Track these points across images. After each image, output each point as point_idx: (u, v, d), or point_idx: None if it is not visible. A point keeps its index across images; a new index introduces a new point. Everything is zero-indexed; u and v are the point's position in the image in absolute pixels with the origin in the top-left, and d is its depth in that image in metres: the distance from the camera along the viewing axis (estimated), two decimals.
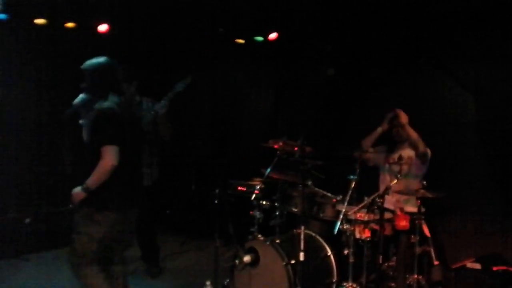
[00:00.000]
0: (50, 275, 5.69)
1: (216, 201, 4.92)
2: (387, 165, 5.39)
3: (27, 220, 6.09)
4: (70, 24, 6.61)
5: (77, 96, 6.53)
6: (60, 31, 6.60)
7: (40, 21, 6.43)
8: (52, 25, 6.51)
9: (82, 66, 4.14)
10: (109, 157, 3.79)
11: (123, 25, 6.82)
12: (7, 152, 6.31)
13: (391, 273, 4.85)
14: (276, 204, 5.10)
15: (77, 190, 3.92)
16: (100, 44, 6.88)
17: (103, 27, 6.72)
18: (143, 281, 5.64)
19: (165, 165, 5.91)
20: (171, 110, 5.40)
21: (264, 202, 5.10)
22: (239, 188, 5.86)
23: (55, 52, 6.69)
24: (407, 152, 5.28)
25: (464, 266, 4.94)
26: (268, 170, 5.07)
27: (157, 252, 5.92)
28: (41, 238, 6.40)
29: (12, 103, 6.39)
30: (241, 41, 7.07)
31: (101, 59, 4.15)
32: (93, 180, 3.85)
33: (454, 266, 5.04)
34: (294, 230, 4.89)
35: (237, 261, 4.82)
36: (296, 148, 4.99)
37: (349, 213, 4.65)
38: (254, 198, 5.06)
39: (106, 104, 3.96)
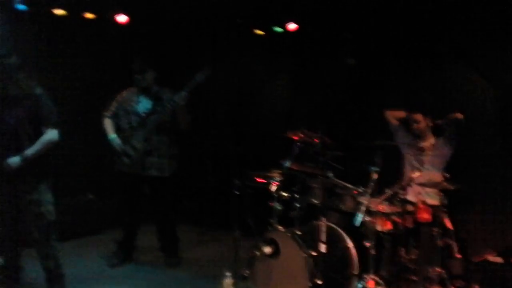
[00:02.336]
0: (72, 263, 5.75)
1: (235, 192, 4.90)
2: (409, 157, 5.35)
3: None
4: (89, 15, 6.64)
5: (96, 86, 6.57)
6: (79, 21, 6.62)
7: (59, 11, 6.45)
8: (71, 16, 6.54)
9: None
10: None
11: (142, 16, 6.82)
12: None
13: (412, 266, 4.81)
14: (296, 195, 5.06)
15: (16, 160, 4.41)
16: (118, 35, 6.91)
17: (122, 18, 6.74)
18: (162, 272, 5.67)
19: (184, 156, 5.92)
20: (190, 101, 5.40)
21: (283, 194, 5.08)
22: (258, 179, 5.84)
23: (74, 43, 6.71)
24: (430, 141, 5.25)
25: (485, 260, 4.89)
26: (288, 161, 5.05)
27: (176, 242, 5.93)
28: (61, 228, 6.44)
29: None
30: (260, 32, 7.04)
31: None
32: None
33: (475, 260, 4.99)
34: (315, 222, 4.86)
35: (257, 252, 4.81)
36: (315, 139, 4.97)
37: (370, 205, 4.62)
38: (274, 189, 5.03)
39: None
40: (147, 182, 5.65)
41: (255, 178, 5.89)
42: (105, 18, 6.72)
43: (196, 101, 5.45)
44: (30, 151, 4.45)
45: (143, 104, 5.59)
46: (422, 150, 4.97)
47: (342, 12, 6.16)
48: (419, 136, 5.35)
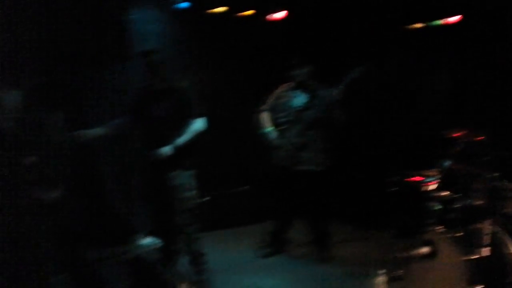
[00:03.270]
0: (226, 251, 6.08)
1: (392, 190, 4.79)
2: None
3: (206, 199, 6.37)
4: (247, 12, 6.82)
5: (256, 82, 6.71)
6: (238, 18, 6.83)
7: (219, 9, 6.69)
8: (230, 13, 6.75)
9: None
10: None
11: (299, 12, 6.88)
12: None
13: None
14: (456, 196, 4.84)
15: (168, 149, 4.71)
16: (276, 31, 7.03)
17: (279, 15, 6.85)
18: (312, 266, 5.69)
19: (338, 151, 5.89)
20: (345, 96, 5.36)
21: (442, 194, 4.87)
22: (416, 177, 5.67)
23: (234, 40, 6.93)
24: None
25: None
26: (448, 159, 4.84)
27: (327, 238, 5.92)
28: (216, 217, 6.74)
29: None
30: (418, 25, 6.79)
31: None
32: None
33: None
34: (476, 224, 4.61)
35: (412, 253, 4.66)
36: (479, 138, 4.71)
37: None
38: (432, 188, 4.85)
39: None
40: (300, 176, 5.70)
41: (412, 176, 5.74)
42: (263, 15, 6.87)
43: (353, 97, 5.41)
44: (181, 140, 4.74)
45: (299, 99, 5.65)
46: None
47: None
48: None
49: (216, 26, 6.79)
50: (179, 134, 4.76)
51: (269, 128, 5.73)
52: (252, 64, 7.08)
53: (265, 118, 5.79)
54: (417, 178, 5.42)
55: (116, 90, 5.90)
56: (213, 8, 6.71)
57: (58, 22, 5.23)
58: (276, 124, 5.74)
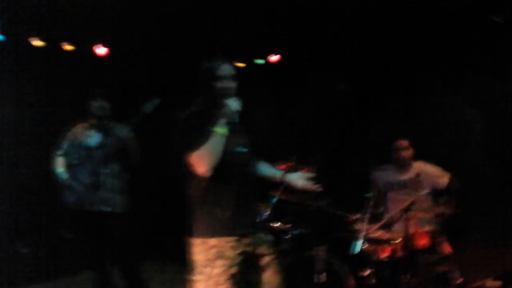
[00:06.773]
0: None
1: None
2: (400, 183, 5.22)
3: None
4: (68, 47, 6.49)
5: (73, 116, 6.32)
6: (57, 52, 6.48)
7: (37, 42, 6.31)
8: (49, 47, 6.39)
9: None
10: None
11: (122, 47, 6.71)
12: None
13: None
14: (287, 226, 4.92)
15: None
16: (98, 66, 6.76)
17: (101, 50, 6.62)
18: None
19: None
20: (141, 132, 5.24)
21: (274, 225, 4.92)
22: None
23: (53, 74, 6.55)
24: (420, 166, 5.14)
25: (483, 285, 4.78)
26: (276, 192, 4.90)
27: (140, 282, 5.43)
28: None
29: (9, 123, 6.30)
30: (242, 64, 6.97)
31: None
32: None
33: (473, 286, 4.86)
34: (308, 252, 4.70)
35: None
36: (305, 168, 4.84)
37: (367, 232, 4.48)
38: (264, 220, 4.87)
39: None
40: (98, 218, 5.22)
41: None
42: (84, 50, 6.59)
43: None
44: None
45: (94, 138, 5.30)
46: (418, 175, 4.83)
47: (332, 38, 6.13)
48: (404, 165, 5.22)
49: (36, 60, 6.36)
50: None
51: (59, 168, 5.31)
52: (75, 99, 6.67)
53: (58, 160, 5.35)
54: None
55: None
56: (31, 41, 6.27)
57: None
58: (69, 165, 5.32)
